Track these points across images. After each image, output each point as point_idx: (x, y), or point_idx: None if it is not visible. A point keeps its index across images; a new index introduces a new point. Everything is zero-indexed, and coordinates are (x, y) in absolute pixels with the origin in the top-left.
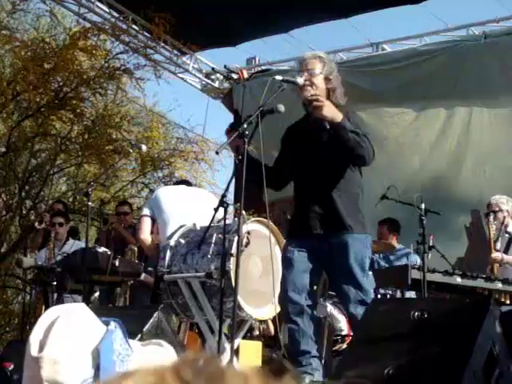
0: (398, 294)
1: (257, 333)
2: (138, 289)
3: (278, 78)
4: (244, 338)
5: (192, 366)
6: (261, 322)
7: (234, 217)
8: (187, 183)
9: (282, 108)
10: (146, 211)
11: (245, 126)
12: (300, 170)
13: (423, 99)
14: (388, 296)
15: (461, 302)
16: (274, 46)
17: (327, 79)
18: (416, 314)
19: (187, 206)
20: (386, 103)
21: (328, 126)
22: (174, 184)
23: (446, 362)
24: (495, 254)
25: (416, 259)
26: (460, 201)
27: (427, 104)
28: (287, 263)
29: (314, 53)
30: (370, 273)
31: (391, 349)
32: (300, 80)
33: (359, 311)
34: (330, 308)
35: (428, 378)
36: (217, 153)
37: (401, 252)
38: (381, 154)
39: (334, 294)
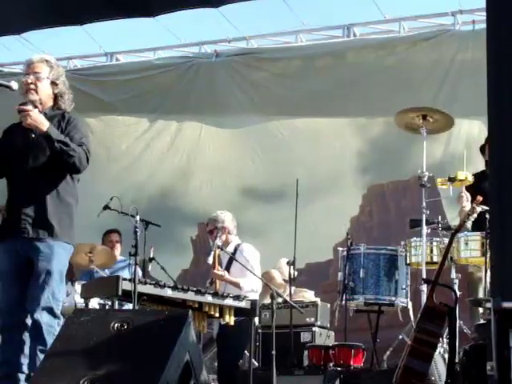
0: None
1: None
2: None
3: None
4: None
5: None
6: None
7: None
8: None
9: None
10: None
11: None
12: (13, 169)
13: (155, 112)
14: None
15: (161, 314)
16: (5, 47)
17: (54, 84)
18: (116, 325)
19: None
20: (118, 113)
21: (33, 135)
22: None
23: (142, 373)
24: (217, 271)
25: (138, 271)
26: (187, 214)
27: (159, 117)
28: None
29: (42, 56)
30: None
31: (89, 360)
32: (14, 85)
33: (44, 319)
34: None
35: None
36: None
37: (123, 263)
38: (112, 163)
39: None
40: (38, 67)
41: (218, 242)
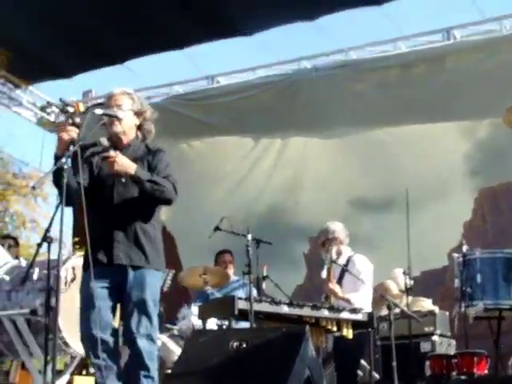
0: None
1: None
2: None
3: (98, 111)
4: (79, 374)
5: None
6: None
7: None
8: None
9: (105, 142)
10: None
11: (63, 160)
12: (100, 197)
13: (259, 130)
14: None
15: (278, 331)
16: (109, 79)
17: (137, 114)
18: (235, 344)
19: None
20: (222, 135)
21: (123, 180)
22: None
23: None
24: (332, 286)
25: (252, 290)
26: (298, 229)
27: (263, 135)
28: (88, 301)
29: (123, 89)
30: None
31: (210, 380)
32: (121, 114)
33: (145, 346)
34: (164, 340)
35: None
36: (33, 188)
37: (237, 283)
38: (219, 184)
39: (170, 326)
40: (120, 99)
41: (333, 254)
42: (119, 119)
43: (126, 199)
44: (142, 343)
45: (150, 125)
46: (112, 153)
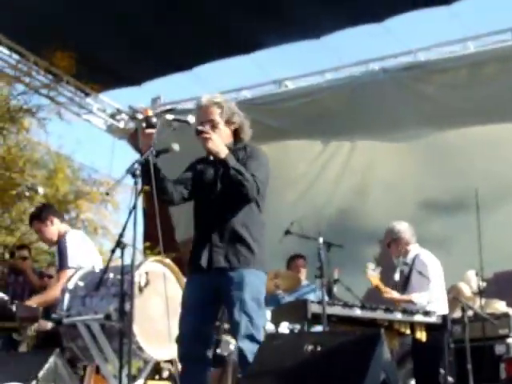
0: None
1: (166, 374)
2: None
3: (169, 117)
4: (152, 379)
5: None
6: (170, 362)
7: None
8: None
9: (176, 147)
10: None
11: (135, 166)
12: (201, 201)
13: (327, 134)
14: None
15: (352, 334)
16: (178, 85)
17: (229, 122)
18: (309, 347)
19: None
20: (291, 139)
21: (212, 158)
22: None
23: None
24: (387, 295)
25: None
26: (368, 232)
27: (331, 138)
28: (184, 304)
29: (211, 98)
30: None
31: (284, 383)
32: (191, 119)
33: (247, 346)
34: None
35: None
36: (107, 194)
37: (308, 288)
38: (289, 188)
39: None
40: (210, 112)
41: (401, 259)
42: (190, 124)
43: (223, 201)
44: (243, 344)
45: (246, 127)
46: (210, 130)
